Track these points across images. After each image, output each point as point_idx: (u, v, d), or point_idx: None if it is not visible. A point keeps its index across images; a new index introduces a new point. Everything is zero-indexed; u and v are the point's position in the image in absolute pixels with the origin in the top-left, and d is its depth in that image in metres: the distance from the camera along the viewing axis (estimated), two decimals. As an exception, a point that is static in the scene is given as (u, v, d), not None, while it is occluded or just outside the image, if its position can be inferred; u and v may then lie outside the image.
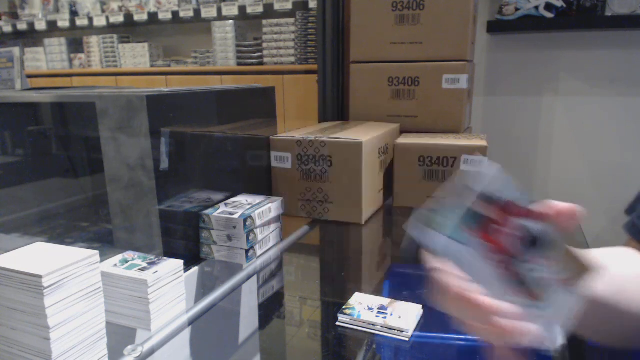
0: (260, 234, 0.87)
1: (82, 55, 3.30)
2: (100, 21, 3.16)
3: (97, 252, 0.55)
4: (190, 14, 2.86)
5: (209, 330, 0.68)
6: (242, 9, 2.71)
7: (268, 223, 0.90)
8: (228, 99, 0.96)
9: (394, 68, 1.38)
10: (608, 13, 1.64)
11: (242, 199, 0.94)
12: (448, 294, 0.27)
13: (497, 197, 0.28)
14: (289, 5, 2.59)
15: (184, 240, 0.83)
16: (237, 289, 0.78)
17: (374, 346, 0.63)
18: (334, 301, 0.80)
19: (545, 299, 0.27)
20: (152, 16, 2.99)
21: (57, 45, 3.35)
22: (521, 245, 0.28)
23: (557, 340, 0.28)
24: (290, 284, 0.88)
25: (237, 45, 2.77)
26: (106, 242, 0.84)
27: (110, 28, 3.18)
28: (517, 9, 1.70)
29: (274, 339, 0.72)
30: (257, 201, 0.91)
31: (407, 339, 0.62)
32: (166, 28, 3.12)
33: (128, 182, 0.76)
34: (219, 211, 0.85)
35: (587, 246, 0.91)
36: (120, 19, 3.08)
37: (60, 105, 1.05)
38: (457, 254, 0.26)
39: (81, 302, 0.53)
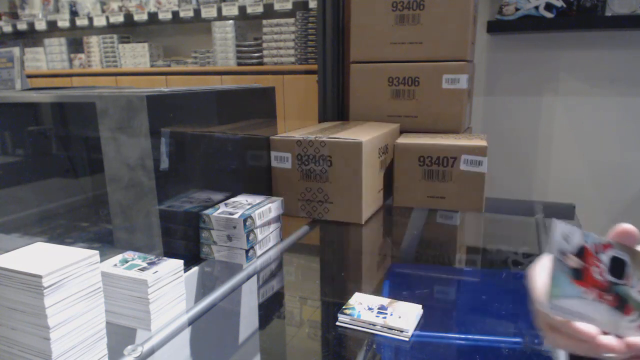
0: (260, 234, 0.87)
1: (82, 55, 3.30)
2: (100, 21, 3.16)
3: (97, 252, 0.55)
4: (190, 14, 2.86)
5: (209, 330, 0.68)
6: (242, 9, 2.71)
7: (268, 223, 0.90)
8: (228, 99, 0.96)
9: (394, 68, 1.38)
10: (608, 13, 1.64)
11: (242, 199, 0.94)
12: (580, 342, 0.33)
13: (577, 249, 0.34)
14: (289, 5, 2.59)
15: (184, 240, 0.83)
16: (237, 289, 0.78)
17: (374, 346, 0.63)
18: (334, 301, 0.80)
19: None
20: (152, 16, 2.99)
21: (57, 45, 3.35)
22: (614, 273, 0.34)
23: None
24: (290, 284, 0.88)
25: (237, 45, 2.77)
26: (106, 242, 0.84)
27: (110, 28, 3.18)
28: (517, 9, 1.70)
29: (274, 339, 0.72)
30: (257, 201, 0.91)
31: (407, 339, 0.62)
32: (166, 28, 3.12)
33: (128, 182, 0.76)
34: (219, 211, 0.85)
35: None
36: (120, 19, 3.08)
37: (60, 105, 1.05)
38: (576, 308, 0.33)
39: (81, 302, 0.53)
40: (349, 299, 0.71)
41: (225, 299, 0.74)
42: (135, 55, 3.09)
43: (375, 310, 0.67)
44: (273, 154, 1.11)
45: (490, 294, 0.79)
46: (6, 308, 0.52)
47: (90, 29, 3.24)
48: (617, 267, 0.34)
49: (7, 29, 3.48)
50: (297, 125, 1.30)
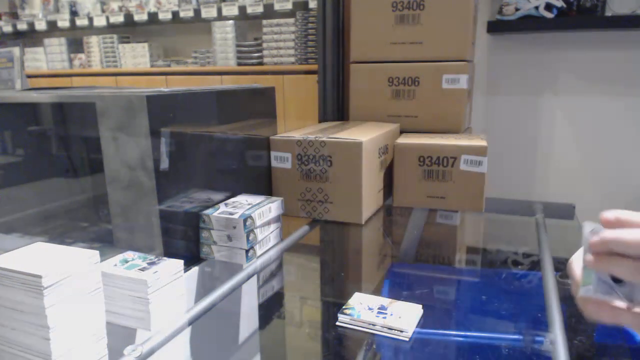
0: (260, 234, 0.87)
1: (82, 55, 3.30)
2: (100, 21, 3.16)
3: (97, 252, 0.55)
4: (190, 14, 2.86)
5: (209, 330, 0.68)
6: (242, 9, 2.71)
7: (268, 223, 0.90)
8: (228, 99, 0.96)
9: (394, 68, 1.38)
10: (608, 13, 1.64)
11: (242, 199, 0.94)
12: (622, 317, 0.41)
13: None
14: (289, 5, 2.59)
15: (184, 240, 0.83)
16: (237, 289, 0.78)
17: (374, 346, 0.63)
18: (334, 301, 0.80)
19: None
20: (152, 16, 2.99)
21: (57, 45, 3.36)
22: None
23: None
24: (290, 284, 0.88)
25: (237, 45, 2.77)
26: (106, 242, 0.84)
27: (110, 28, 3.18)
28: (517, 9, 1.70)
29: (274, 339, 0.72)
30: (257, 201, 0.91)
31: (407, 339, 0.62)
32: (166, 28, 3.12)
33: (128, 182, 0.76)
34: (219, 211, 0.85)
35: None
36: (120, 19, 3.08)
37: (60, 105, 1.05)
38: (603, 290, 0.41)
39: (81, 302, 0.53)
40: (349, 299, 0.71)
41: (225, 299, 0.74)
42: (135, 55, 3.09)
43: (375, 310, 0.67)
44: (273, 154, 1.11)
45: (490, 293, 0.79)
46: (6, 308, 0.52)
47: (90, 29, 3.24)
48: None
49: (7, 29, 3.49)
50: (297, 125, 1.30)
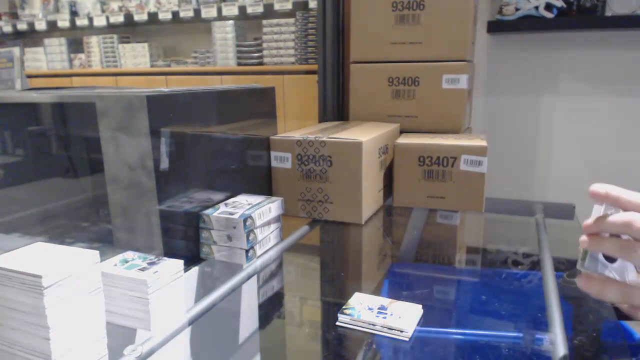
0: (260, 234, 0.87)
1: (82, 55, 3.30)
2: (100, 21, 3.16)
3: (97, 252, 0.55)
4: (190, 14, 2.86)
5: (209, 330, 0.69)
6: (242, 9, 2.71)
7: (268, 223, 0.90)
8: (228, 99, 0.96)
9: (394, 68, 1.38)
10: (608, 13, 1.64)
11: (242, 199, 0.94)
12: (608, 289, 0.46)
13: None
14: (289, 5, 2.60)
15: (184, 240, 0.83)
16: (237, 289, 0.78)
17: (374, 346, 0.63)
18: (334, 301, 0.80)
19: None
20: (152, 16, 2.99)
21: (57, 45, 3.36)
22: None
23: None
24: (290, 284, 0.88)
25: (237, 45, 2.77)
26: (106, 242, 0.84)
27: (110, 28, 3.18)
28: (517, 9, 1.70)
29: (274, 339, 0.72)
30: (257, 201, 0.91)
31: (407, 339, 0.62)
32: (166, 28, 3.12)
33: (128, 182, 0.76)
34: (219, 211, 0.85)
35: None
36: (120, 19, 3.08)
37: (60, 105, 1.05)
38: (594, 266, 0.47)
39: (81, 302, 0.53)
40: (349, 299, 0.71)
41: (225, 299, 0.74)
42: (135, 55, 3.09)
43: (375, 310, 0.67)
44: (273, 154, 1.11)
45: (490, 293, 0.79)
46: (6, 308, 0.52)
47: (90, 29, 3.24)
48: None
49: (7, 29, 3.49)
50: (297, 125, 1.30)
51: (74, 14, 3.28)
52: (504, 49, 1.84)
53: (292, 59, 2.61)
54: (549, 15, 1.66)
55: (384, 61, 1.40)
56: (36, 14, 3.42)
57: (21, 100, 0.97)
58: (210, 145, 0.89)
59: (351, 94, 1.46)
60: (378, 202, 1.17)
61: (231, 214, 0.84)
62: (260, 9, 2.67)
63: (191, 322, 0.66)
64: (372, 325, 0.65)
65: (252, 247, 0.85)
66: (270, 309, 0.79)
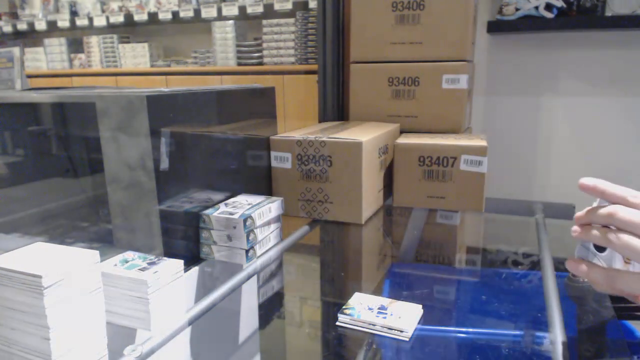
0: (260, 234, 0.87)
1: (82, 55, 3.30)
2: (100, 21, 3.16)
3: (97, 252, 0.55)
4: (190, 14, 2.86)
5: (209, 330, 0.69)
6: (242, 9, 2.71)
7: (268, 223, 0.90)
8: (228, 99, 0.96)
9: (394, 68, 1.38)
10: (608, 13, 1.64)
11: (242, 199, 0.94)
12: (592, 271, 0.50)
13: None
14: (289, 5, 2.60)
15: (184, 240, 0.83)
16: (237, 289, 0.78)
17: (374, 346, 0.63)
18: (334, 301, 0.80)
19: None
20: (152, 16, 2.99)
21: (57, 45, 3.36)
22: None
23: None
24: (290, 284, 0.88)
25: (237, 45, 2.77)
26: (106, 242, 0.84)
27: (110, 28, 3.18)
28: (517, 9, 1.70)
29: (274, 339, 0.72)
30: (257, 201, 0.91)
31: (407, 339, 0.62)
32: (166, 28, 3.13)
33: (128, 182, 0.76)
34: (219, 211, 0.85)
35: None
36: (120, 19, 3.08)
37: (60, 105, 1.05)
38: (584, 253, 0.52)
39: (81, 302, 0.53)
40: (349, 299, 0.71)
41: (225, 299, 0.74)
42: (135, 55, 3.09)
43: (375, 310, 0.67)
44: (273, 154, 1.11)
45: (490, 293, 0.79)
46: (6, 308, 0.52)
47: (90, 29, 3.24)
48: None
49: (7, 29, 3.49)
50: (297, 125, 1.30)
51: (74, 14, 3.28)
52: (504, 49, 1.84)
53: (292, 59, 2.62)
54: (549, 15, 1.66)
55: (384, 61, 1.40)
56: (36, 14, 3.43)
57: (21, 100, 0.97)
58: (210, 145, 0.89)
59: (351, 94, 1.46)
60: (378, 202, 1.18)
61: (231, 214, 0.84)
62: (260, 9, 2.67)
63: (191, 322, 0.66)
64: (372, 325, 0.65)
65: (252, 247, 0.85)
66: (270, 309, 0.79)
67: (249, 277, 0.82)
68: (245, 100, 1.04)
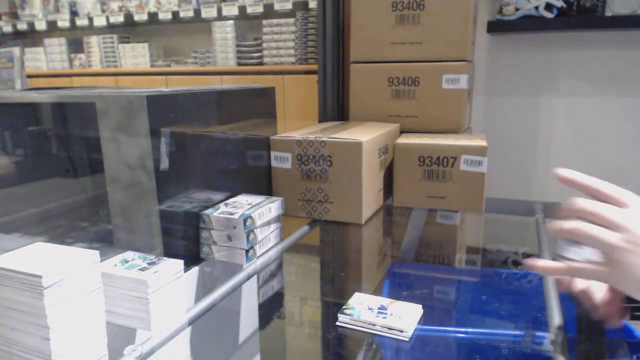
0: (260, 234, 0.87)
1: (82, 55, 3.30)
2: (100, 21, 3.16)
3: (97, 252, 0.55)
4: (190, 14, 2.86)
5: (209, 330, 0.69)
6: (242, 9, 2.71)
7: (268, 223, 0.90)
8: (228, 99, 0.96)
9: (394, 68, 1.38)
10: (608, 13, 1.64)
11: (242, 199, 0.94)
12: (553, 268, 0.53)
13: None
14: (289, 5, 2.60)
15: (184, 240, 0.83)
16: (237, 289, 0.78)
17: (374, 346, 0.63)
18: (334, 301, 0.80)
19: None
20: (152, 16, 2.99)
21: (57, 45, 3.36)
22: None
23: None
24: (290, 284, 0.88)
25: (237, 45, 2.77)
26: (106, 242, 0.84)
27: (110, 28, 3.18)
28: (517, 9, 1.70)
29: (274, 339, 0.72)
30: (257, 201, 0.91)
31: (407, 339, 0.62)
32: (166, 28, 3.13)
33: (128, 182, 0.76)
34: (219, 211, 0.85)
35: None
36: (120, 19, 3.08)
37: (60, 105, 1.05)
38: (562, 249, 0.54)
39: (81, 302, 0.53)
40: (349, 299, 0.71)
41: (225, 299, 0.74)
42: (135, 55, 3.09)
43: (375, 310, 0.67)
44: (273, 154, 1.11)
45: (490, 293, 0.79)
46: (6, 308, 0.52)
47: (90, 29, 3.24)
48: None
49: (7, 29, 3.49)
50: (297, 125, 1.30)
51: (74, 14, 3.28)
52: (504, 49, 1.84)
53: (292, 59, 2.62)
54: (549, 15, 1.66)
55: (384, 61, 1.40)
56: (36, 14, 3.42)
57: (21, 100, 0.97)
58: (210, 145, 0.89)
59: (351, 94, 1.46)
60: (378, 202, 1.18)
61: (231, 214, 0.84)
62: (260, 9, 2.67)
63: (191, 322, 0.67)
64: (372, 325, 0.65)
65: (252, 247, 0.85)
66: (270, 309, 0.79)
67: (249, 277, 0.82)
68: (245, 100, 1.04)
